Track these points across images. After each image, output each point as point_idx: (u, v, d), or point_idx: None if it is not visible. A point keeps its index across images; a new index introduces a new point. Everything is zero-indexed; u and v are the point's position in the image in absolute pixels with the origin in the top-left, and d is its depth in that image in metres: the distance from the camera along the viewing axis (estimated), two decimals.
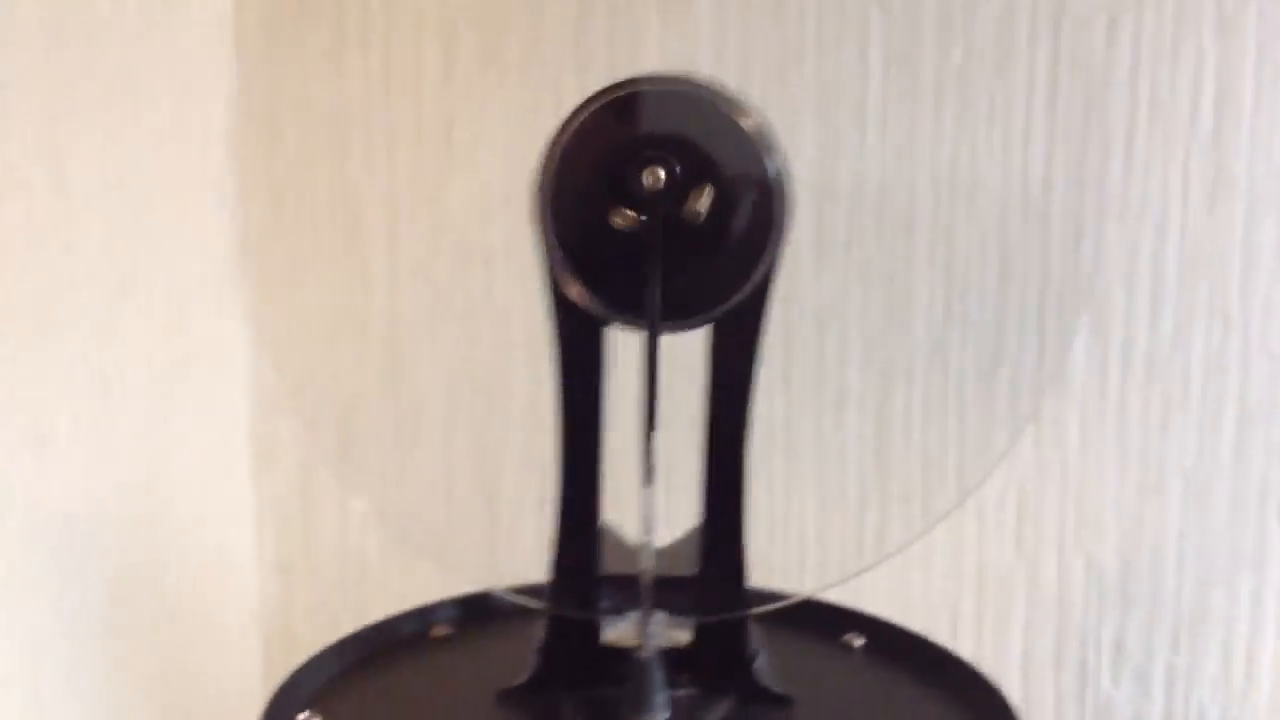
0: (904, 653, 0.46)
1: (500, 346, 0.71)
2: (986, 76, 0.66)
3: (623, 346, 0.42)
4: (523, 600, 0.43)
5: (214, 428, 0.73)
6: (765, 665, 0.43)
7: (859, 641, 0.47)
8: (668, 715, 0.40)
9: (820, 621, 0.47)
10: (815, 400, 0.69)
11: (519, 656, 0.42)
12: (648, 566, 0.39)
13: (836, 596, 0.49)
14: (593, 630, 0.42)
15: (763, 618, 0.44)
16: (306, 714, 0.41)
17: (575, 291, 0.39)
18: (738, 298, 0.39)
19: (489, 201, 0.68)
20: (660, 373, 0.41)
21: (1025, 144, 0.66)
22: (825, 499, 0.70)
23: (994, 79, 0.66)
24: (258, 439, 0.76)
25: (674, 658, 0.41)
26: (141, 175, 0.64)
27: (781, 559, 0.69)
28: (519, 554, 0.62)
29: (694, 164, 0.38)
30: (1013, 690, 0.70)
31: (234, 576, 0.75)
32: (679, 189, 0.38)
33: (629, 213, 0.37)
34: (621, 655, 0.41)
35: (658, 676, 0.39)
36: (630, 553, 0.41)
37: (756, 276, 0.39)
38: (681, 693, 0.41)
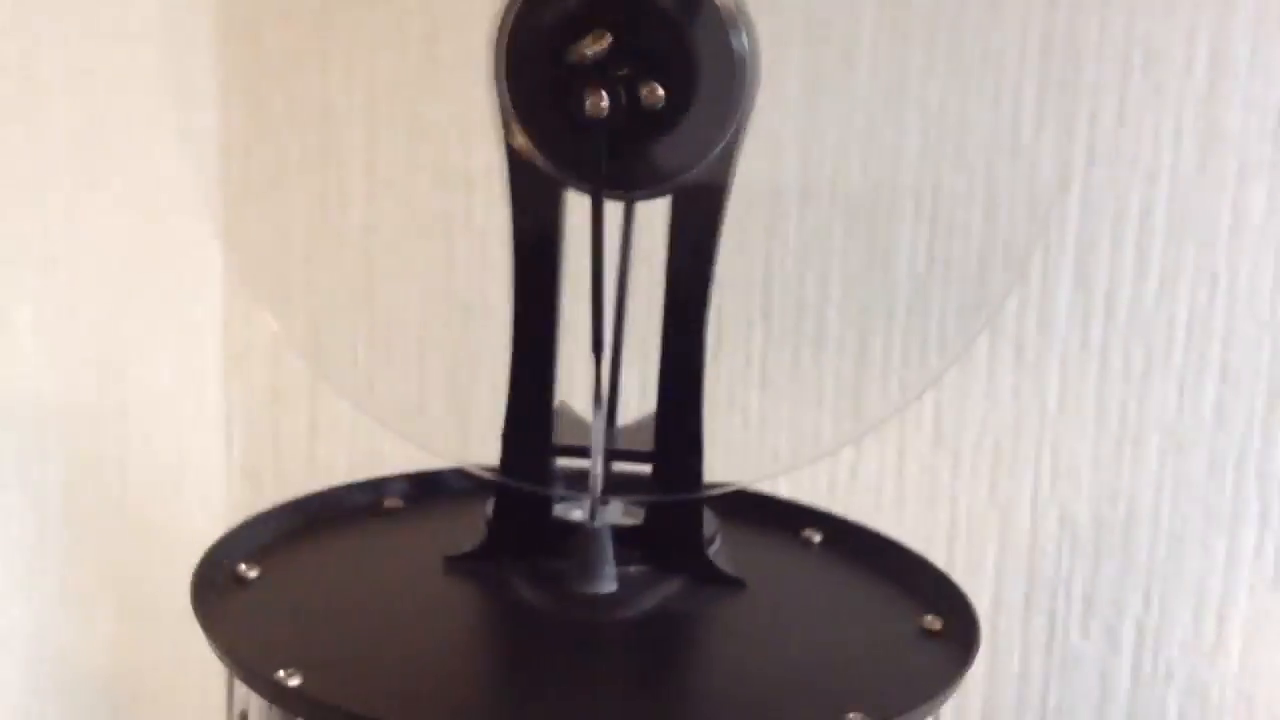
0: (859, 549, 0.53)
1: (476, 268, 0.83)
2: (980, 18, 0.77)
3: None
4: (475, 470, 0.50)
5: (185, 328, 0.83)
6: (721, 551, 0.49)
7: (817, 537, 0.55)
8: (615, 588, 0.47)
9: (779, 517, 0.55)
10: (794, 337, 0.81)
11: (468, 530, 0.49)
12: (600, 431, 0.46)
13: None
14: (544, 505, 0.48)
15: (722, 512, 0.50)
16: (244, 566, 0.48)
17: (522, 144, 0.45)
18: (696, 172, 0.45)
19: (470, 122, 0.80)
20: (631, 249, 0.49)
21: (1017, 88, 0.77)
22: (799, 435, 0.82)
23: (988, 21, 0.77)
24: (229, 343, 0.88)
25: (626, 536, 0.48)
26: (116, 68, 0.74)
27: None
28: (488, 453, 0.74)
29: (657, 34, 0.44)
30: (981, 636, 0.83)
31: (200, 480, 0.86)
32: (638, 59, 0.43)
33: (590, 84, 0.43)
34: (572, 529, 0.47)
35: (606, 548, 0.46)
36: (583, 429, 0.49)
37: (715, 151, 0.45)
38: (632, 569, 0.47)
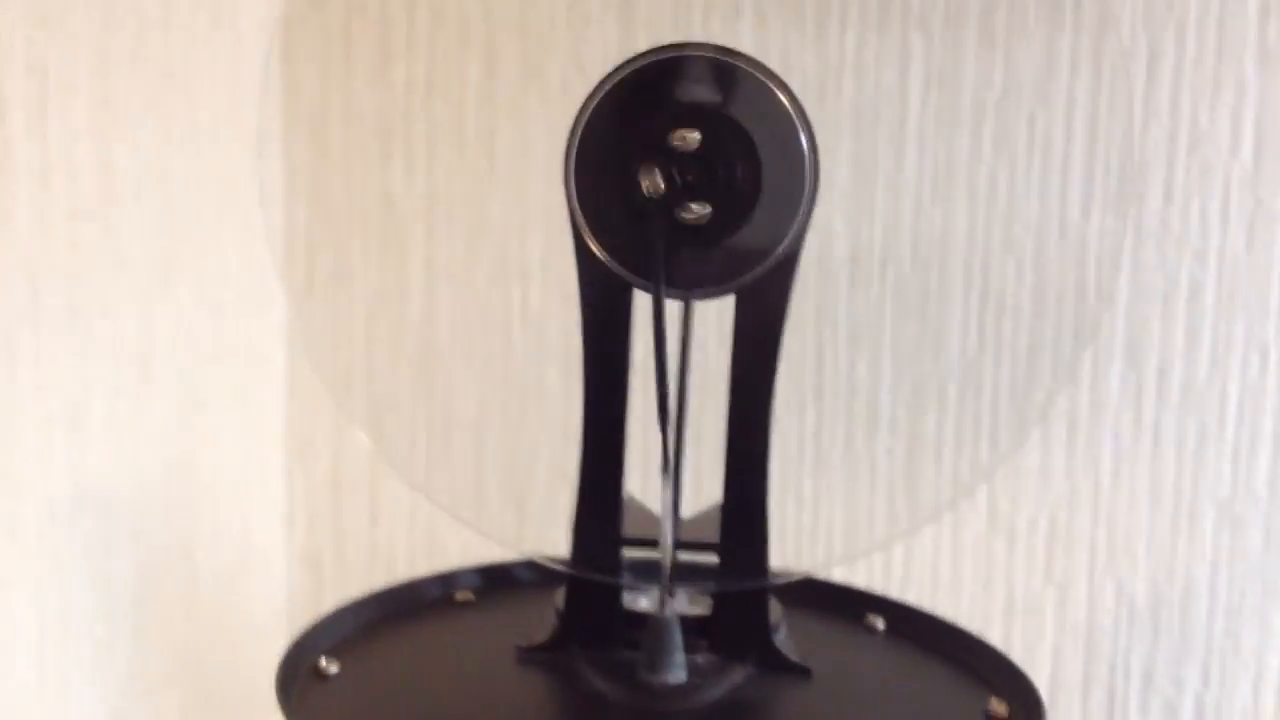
0: (924, 634, 0.53)
1: (534, 355, 0.83)
2: (1027, 102, 0.77)
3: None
4: (546, 562, 0.50)
5: (249, 419, 0.83)
6: (785, 639, 0.49)
7: (880, 624, 0.54)
8: (684, 677, 0.47)
9: (843, 604, 0.55)
10: (846, 417, 0.80)
11: (538, 621, 0.49)
12: (668, 537, 0.46)
13: None
14: (613, 595, 0.48)
15: (786, 600, 0.50)
16: (324, 661, 0.48)
17: (598, 249, 0.45)
18: (760, 269, 0.45)
19: (527, 214, 0.81)
20: (691, 344, 0.50)
21: (1064, 171, 0.77)
22: (853, 516, 0.81)
23: (1034, 105, 0.77)
24: (292, 433, 0.89)
25: (694, 626, 0.47)
26: (187, 169, 0.75)
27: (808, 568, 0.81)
28: (547, 544, 0.74)
29: (726, 131, 0.44)
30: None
31: (263, 567, 0.85)
32: (707, 156, 0.44)
33: (657, 174, 0.44)
34: (642, 621, 0.47)
35: (676, 637, 0.46)
36: (653, 520, 0.49)
37: (783, 247, 0.46)
38: (700, 658, 0.47)
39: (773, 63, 0.79)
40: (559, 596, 0.49)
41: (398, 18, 0.80)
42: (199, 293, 0.77)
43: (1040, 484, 0.79)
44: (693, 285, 0.46)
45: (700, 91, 0.45)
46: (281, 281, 0.84)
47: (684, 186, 0.45)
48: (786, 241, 0.46)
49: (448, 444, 0.85)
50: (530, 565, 0.55)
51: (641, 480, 0.50)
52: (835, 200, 0.77)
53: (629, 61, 0.46)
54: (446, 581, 0.55)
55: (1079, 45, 0.75)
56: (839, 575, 0.63)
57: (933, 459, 0.79)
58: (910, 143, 0.77)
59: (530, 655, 0.49)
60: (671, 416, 0.46)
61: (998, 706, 0.48)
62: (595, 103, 0.45)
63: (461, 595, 0.55)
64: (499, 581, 0.56)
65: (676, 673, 0.47)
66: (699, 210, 0.45)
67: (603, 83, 0.46)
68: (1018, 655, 0.80)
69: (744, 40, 0.78)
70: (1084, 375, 0.77)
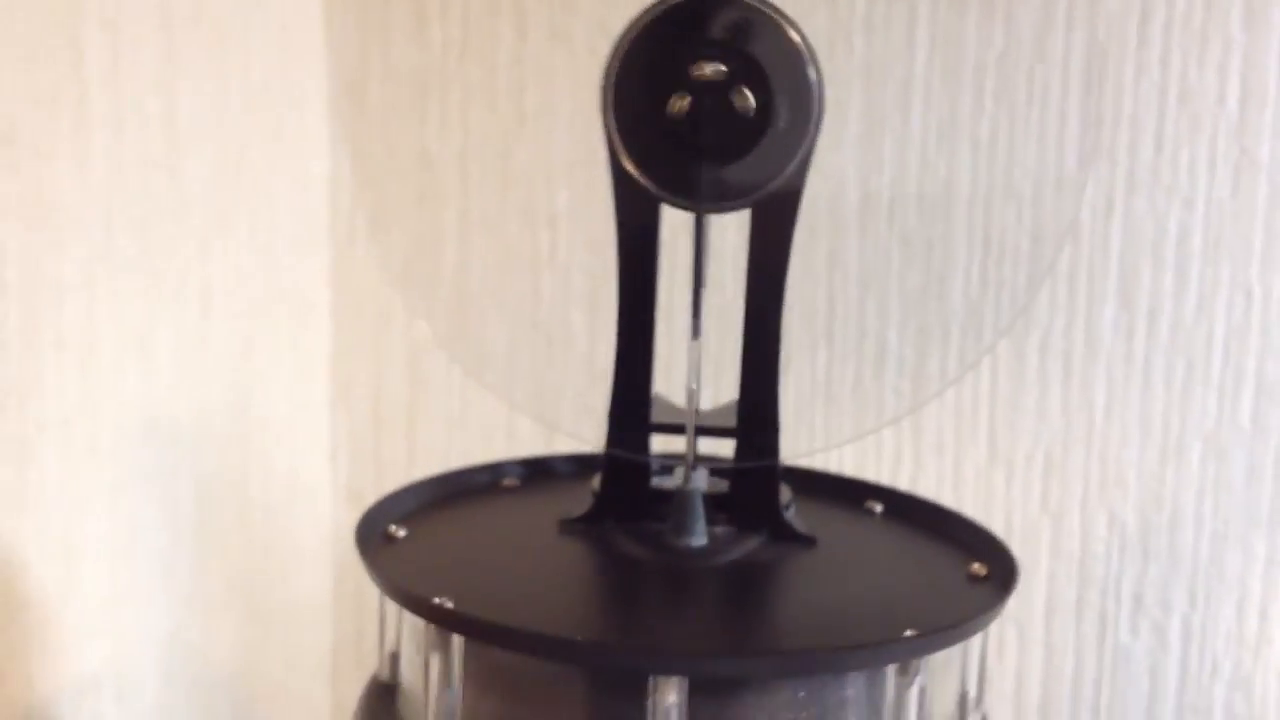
0: (916, 515, 0.59)
1: (560, 299, 0.88)
2: (1026, 59, 0.82)
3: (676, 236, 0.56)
4: (589, 445, 0.55)
5: (296, 361, 0.88)
6: (795, 515, 0.54)
7: (878, 508, 0.60)
8: (705, 542, 0.52)
9: (844, 492, 0.60)
10: (856, 356, 0.86)
11: (575, 501, 0.55)
12: (693, 407, 0.52)
13: None
14: (644, 475, 0.53)
15: (795, 488, 0.56)
16: (393, 527, 0.54)
17: (631, 168, 0.50)
18: (774, 184, 0.50)
19: (554, 167, 0.86)
20: (708, 255, 0.54)
21: (1061, 123, 0.82)
22: (861, 449, 0.86)
23: (1033, 61, 0.82)
24: (336, 375, 0.94)
25: (714, 502, 0.53)
26: (242, 122, 0.81)
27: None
28: None
29: (743, 64, 0.50)
30: (1035, 638, 0.87)
31: (309, 500, 0.90)
32: (728, 85, 0.49)
33: (685, 98, 0.49)
34: (668, 497, 0.53)
35: (698, 506, 0.51)
36: (677, 410, 0.54)
37: (791, 168, 0.50)
38: (719, 529, 0.52)
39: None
40: (595, 480, 0.55)
41: None
42: (252, 239, 0.82)
43: (1037, 420, 0.83)
44: (712, 200, 0.52)
45: (720, 29, 0.50)
46: (324, 230, 0.90)
47: (706, 113, 0.50)
48: (795, 163, 0.51)
49: (480, 383, 0.91)
50: (567, 458, 0.61)
51: (665, 384, 0.56)
52: (846, 151, 0.82)
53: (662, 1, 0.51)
54: (494, 470, 0.60)
55: (1074, 5, 0.79)
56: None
57: (936, 396, 0.84)
58: (917, 97, 0.82)
59: (570, 527, 0.54)
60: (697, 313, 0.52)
61: (978, 568, 0.53)
62: (630, 37, 0.51)
63: (508, 482, 0.60)
64: (540, 471, 0.61)
65: (699, 538, 0.52)
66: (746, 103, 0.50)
67: (638, 19, 0.51)
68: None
69: None
70: (1079, 316, 0.82)
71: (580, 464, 0.61)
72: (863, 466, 0.84)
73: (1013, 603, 0.85)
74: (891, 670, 0.48)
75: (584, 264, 0.86)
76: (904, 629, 0.47)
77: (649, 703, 0.45)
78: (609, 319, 0.54)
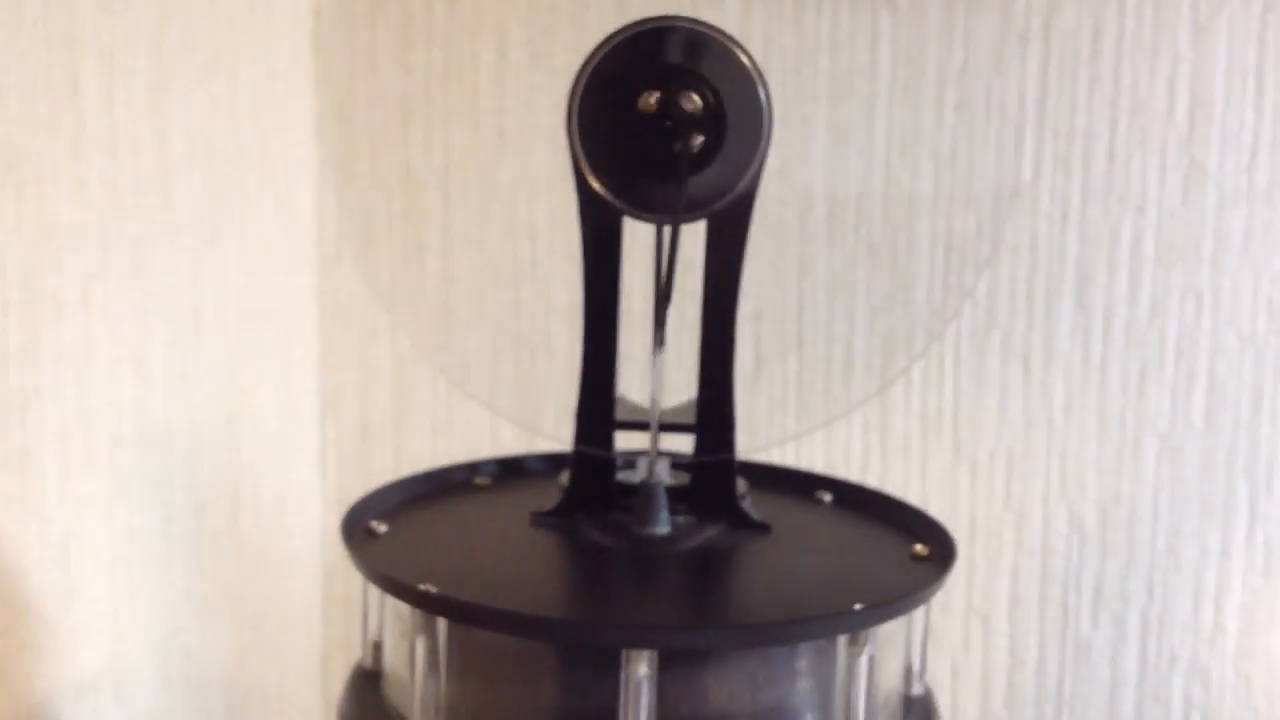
0: (865, 504, 0.62)
1: (541, 310, 0.91)
2: (985, 74, 0.85)
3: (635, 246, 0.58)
4: (558, 443, 0.59)
5: (285, 373, 0.90)
6: (750, 505, 0.57)
7: (828, 497, 0.63)
8: (668, 530, 0.55)
9: (796, 483, 0.64)
10: (825, 363, 0.88)
11: (546, 497, 0.58)
12: (656, 407, 0.55)
13: None
14: (609, 470, 0.56)
15: (751, 480, 0.59)
16: (375, 523, 0.57)
17: (598, 186, 0.54)
18: (730, 197, 0.54)
19: (535, 183, 0.88)
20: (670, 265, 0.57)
21: (1017, 136, 0.85)
22: (832, 451, 0.89)
23: (991, 76, 0.85)
24: (324, 386, 0.97)
25: (675, 494, 0.56)
26: (231, 145, 0.83)
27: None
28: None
29: (697, 86, 0.54)
30: (1000, 630, 0.89)
31: (298, 507, 0.92)
32: (677, 112, 0.53)
33: (654, 97, 0.53)
34: (633, 490, 0.56)
35: (661, 497, 0.55)
36: (640, 409, 0.57)
37: (745, 181, 0.54)
38: (680, 519, 0.55)
39: (755, 42, 0.86)
40: (563, 477, 0.58)
41: (417, 8, 0.87)
42: (241, 256, 0.85)
43: (999, 419, 0.85)
44: (671, 213, 0.55)
45: (676, 55, 0.54)
46: (311, 246, 0.92)
47: (667, 132, 0.53)
48: (748, 178, 0.54)
49: (464, 391, 0.93)
50: (537, 458, 0.64)
51: (627, 384, 0.59)
52: (814, 164, 0.85)
53: (622, 30, 0.55)
54: (470, 469, 0.63)
55: (1030, 23, 0.82)
56: None
57: (902, 399, 0.87)
58: (880, 111, 0.84)
59: (541, 520, 0.57)
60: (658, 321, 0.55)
61: (920, 549, 0.57)
62: (594, 63, 0.54)
63: (481, 480, 0.63)
64: (512, 470, 0.64)
65: (662, 526, 0.55)
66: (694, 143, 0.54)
67: (600, 46, 0.54)
68: (979, 574, 0.88)
69: (729, 22, 0.85)
70: (1037, 320, 0.85)
71: (550, 463, 0.64)
72: (832, 468, 0.87)
73: (978, 597, 0.88)
74: (843, 641, 0.51)
75: (564, 275, 0.89)
76: (854, 603, 0.50)
77: (622, 675, 0.48)
78: None
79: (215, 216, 0.81)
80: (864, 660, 0.50)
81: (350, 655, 0.96)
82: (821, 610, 0.50)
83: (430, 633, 0.51)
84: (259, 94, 0.84)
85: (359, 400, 0.96)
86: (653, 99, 0.54)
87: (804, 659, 0.51)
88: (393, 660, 0.55)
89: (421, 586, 0.49)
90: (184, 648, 0.81)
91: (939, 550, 0.57)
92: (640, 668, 0.48)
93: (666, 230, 0.54)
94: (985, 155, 0.83)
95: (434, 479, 0.62)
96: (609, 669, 0.48)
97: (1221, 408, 0.83)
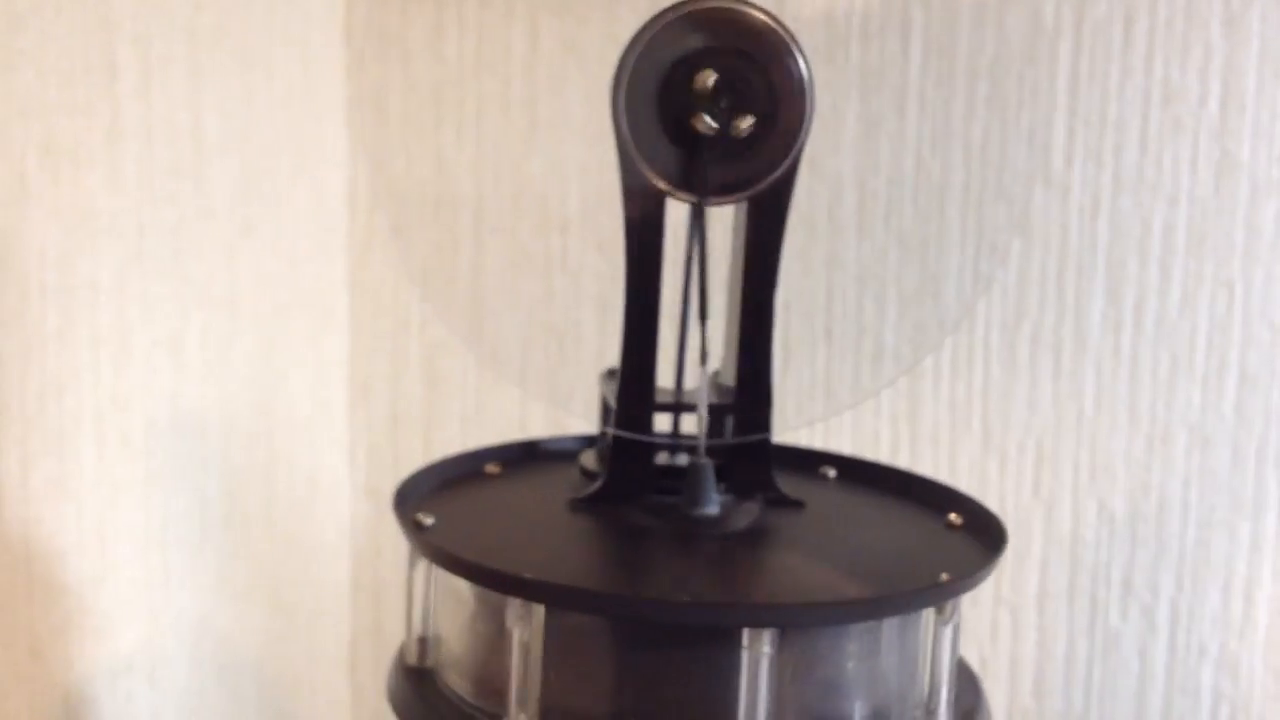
0: (872, 477, 0.63)
1: (572, 301, 0.91)
2: (1016, 65, 0.85)
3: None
4: (601, 427, 0.59)
5: (317, 361, 0.91)
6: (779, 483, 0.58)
7: (832, 473, 0.64)
8: (718, 510, 0.55)
9: (799, 461, 0.64)
10: (854, 354, 0.88)
11: (562, 484, 0.58)
12: (704, 387, 0.55)
13: None
14: (648, 453, 0.56)
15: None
16: (420, 514, 0.55)
17: (645, 166, 0.53)
18: (772, 178, 0.54)
19: (566, 173, 0.89)
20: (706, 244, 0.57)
21: (1049, 126, 0.85)
22: (860, 441, 0.89)
23: (1023, 67, 0.85)
24: (354, 377, 0.97)
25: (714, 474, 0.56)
26: (266, 133, 0.84)
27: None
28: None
29: (744, 74, 0.53)
30: (1029, 622, 0.89)
31: (329, 496, 0.92)
32: (731, 93, 0.53)
33: (705, 117, 0.53)
34: (671, 473, 0.56)
35: (711, 477, 0.55)
36: (675, 392, 0.57)
37: (785, 165, 0.54)
38: (721, 497, 0.56)
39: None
40: (587, 460, 0.58)
41: None
42: (275, 244, 0.85)
43: (1028, 411, 0.85)
44: (715, 194, 0.55)
45: (721, 38, 0.54)
46: (343, 235, 0.93)
47: (716, 115, 0.54)
48: (790, 159, 0.54)
49: (495, 380, 0.93)
50: (541, 442, 0.64)
51: (666, 371, 0.59)
52: (844, 154, 0.85)
53: (671, 8, 0.55)
54: (477, 458, 0.64)
55: (1061, 13, 0.82)
56: None
57: (931, 390, 0.87)
58: (911, 102, 0.84)
59: (581, 504, 0.57)
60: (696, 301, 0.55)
61: (954, 518, 0.58)
62: (645, 40, 0.54)
63: (491, 468, 0.64)
64: (528, 455, 0.65)
65: (712, 506, 0.56)
66: (743, 126, 0.54)
67: (648, 26, 0.54)
68: (1009, 565, 0.88)
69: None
70: (1068, 311, 0.84)
71: (557, 453, 0.64)
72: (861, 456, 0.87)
73: (1007, 588, 0.88)
74: (930, 612, 0.52)
75: (594, 267, 0.89)
76: (938, 572, 0.51)
77: (744, 654, 0.48)
78: (619, 319, 0.57)
79: (249, 204, 0.81)
80: (949, 629, 0.52)
81: (379, 642, 0.97)
82: (912, 581, 0.52)
83: (527, 622, 0.50)
84: (292, 82, 0.84)
85: (390, 389, 0.96)
86: (710, 79, 0.53)
87: (896, 630, 0.52)
88: (465, 652, 0.54)
89: (528, 575, 0.49)
90: (216, 631, 0.81)
91: (977, 518, 0.57)
92: (763, 646, 0.48)
93: (706, 210, 0.54)
94: (1017, 147, 0.83)
95: (457, 464, 0.62)
96: (719, 649, 0.49)
97: (1252, 399, 0.82)
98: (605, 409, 0.59)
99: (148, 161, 0.73)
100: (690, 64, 0.54)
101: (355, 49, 0.89)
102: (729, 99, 0.53)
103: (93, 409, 0.71)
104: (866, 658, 0.51)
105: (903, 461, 0.87)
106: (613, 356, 0.58)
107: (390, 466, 0.97)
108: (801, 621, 0.49)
